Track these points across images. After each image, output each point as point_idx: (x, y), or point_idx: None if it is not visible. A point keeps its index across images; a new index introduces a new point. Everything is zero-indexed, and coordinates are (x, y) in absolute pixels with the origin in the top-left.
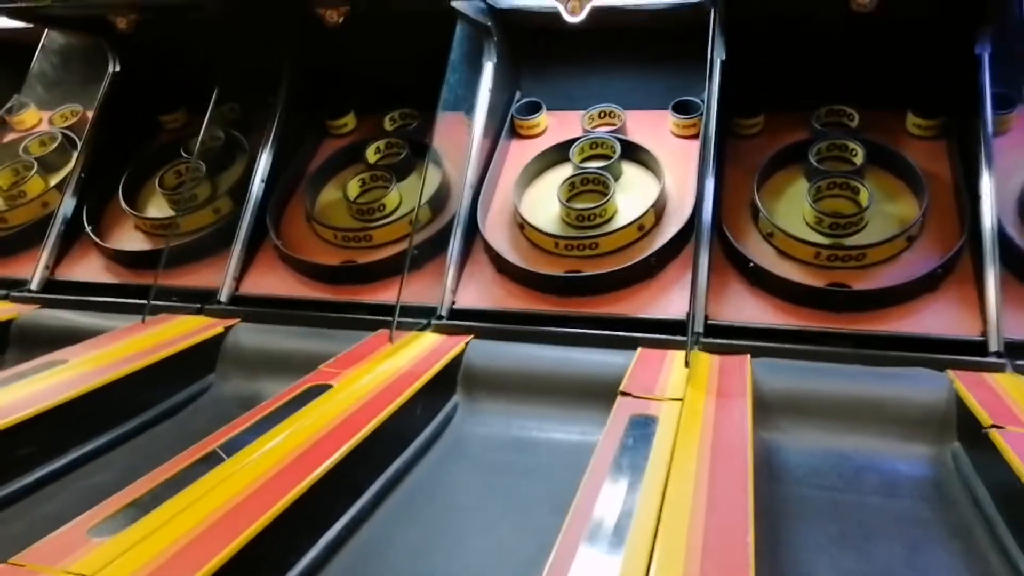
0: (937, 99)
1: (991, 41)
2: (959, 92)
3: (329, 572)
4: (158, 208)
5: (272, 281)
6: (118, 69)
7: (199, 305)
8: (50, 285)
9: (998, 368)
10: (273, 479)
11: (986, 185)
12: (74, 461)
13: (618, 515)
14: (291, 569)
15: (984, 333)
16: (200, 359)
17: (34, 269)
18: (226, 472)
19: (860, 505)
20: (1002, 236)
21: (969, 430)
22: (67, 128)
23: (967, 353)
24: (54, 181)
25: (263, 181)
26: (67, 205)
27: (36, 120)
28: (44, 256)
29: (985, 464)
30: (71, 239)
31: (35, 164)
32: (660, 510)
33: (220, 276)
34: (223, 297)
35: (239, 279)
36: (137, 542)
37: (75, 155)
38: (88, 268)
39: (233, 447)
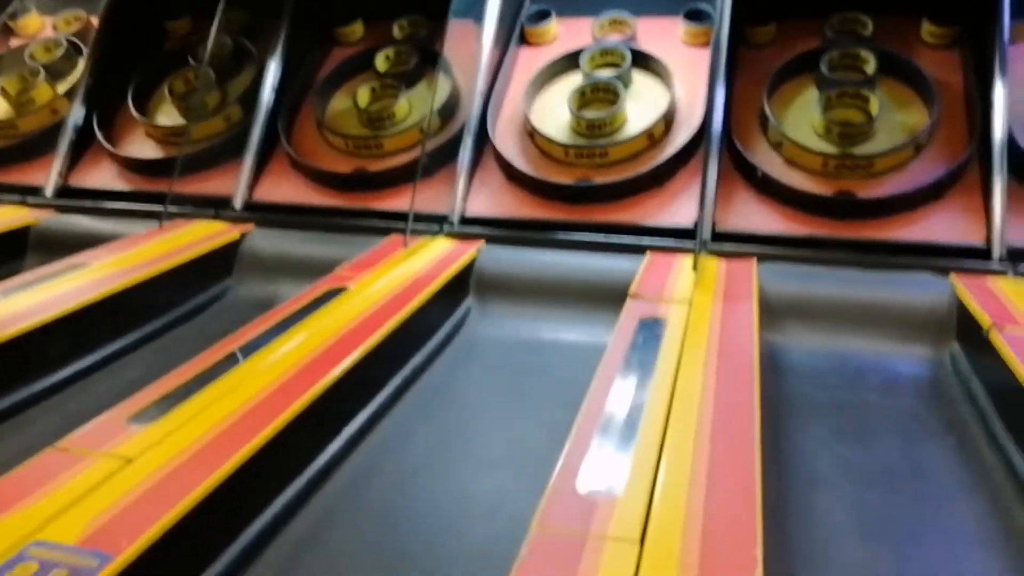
0: (953, 6)
1: None
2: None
3: (352, 462)
4: (168, 116)
5: (285, 188)
6: None
7: (214, 211)
8: (64, 191)
9: (1000, 273)
10: (297, 375)
11: (999, 93)
12: (102, 359)
13: (629, 409)
14: (316, 459)
15: (988, 240)
16: (217, 264)
17: (48, 176)
18: (255, 365)
19: (860, 402)
20: (1011, 145)
21: (968, 332)
22: (72, 34)
23: (971, 259)
24: (62, 88)
25: (273, 89)
26: (77, 112)
27: (39, 26)
28: (57, 163)
29: (982, 364)
30: (82, 146)
31: (41, 71)
32: (670, 405)
33: (233, 183)
34: (237, 204)
35: (252, 186)
36: (174, 429)
37: (81, 62)
38: (101, 175)
39: (256, 345)
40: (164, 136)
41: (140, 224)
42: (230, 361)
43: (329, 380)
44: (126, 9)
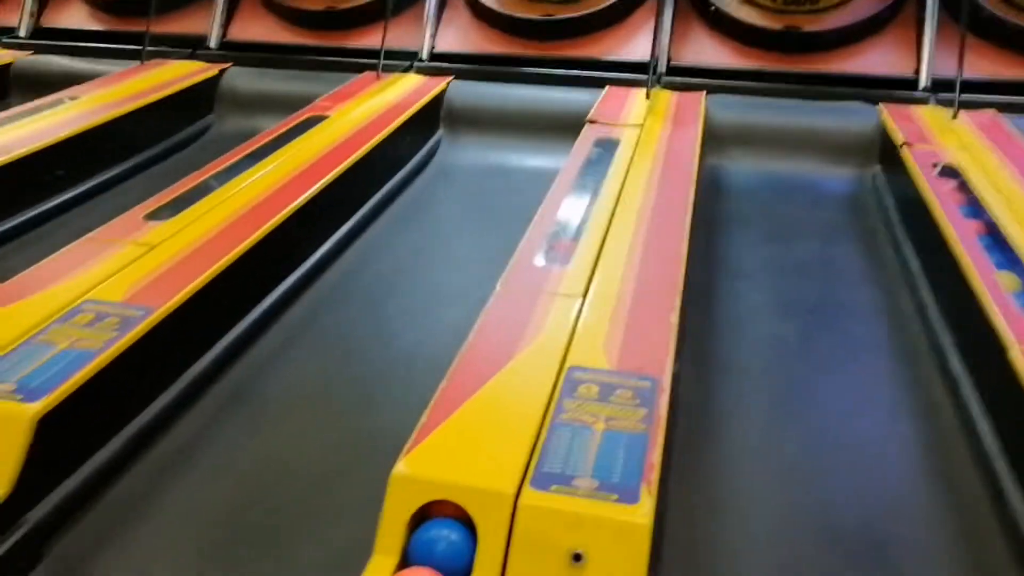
0: None
1: None
2: None
3: (343, 261)
4: None
5: (258, 27)
6: None
7: (190, 50)
8: (38, 32)
9: (924, 102)
10: (290, 183)
11: None
12: (102, 184)
13: (582, 210)
14: (310, 256)
15: (917, 71)
16: (199, 100)
17: (19, 17)
18: (253, 176)
19: (789, 215)
20: None
21: (888, 153)
22: None
23: (900, 89)
24: None
25: None
26: None
27: None
28: (28, 2)
29: (895, 180)
30: None
31: None
32: (613, 212)
33: (206, 23)
34: (212, 43)
35: (226, 26)
36: (187, 224)
37: None
38: (73, 16)
39: (253, 160)
40: None
41: (118, 64)
42: (231, 172)
43: (317, 189)
44: None
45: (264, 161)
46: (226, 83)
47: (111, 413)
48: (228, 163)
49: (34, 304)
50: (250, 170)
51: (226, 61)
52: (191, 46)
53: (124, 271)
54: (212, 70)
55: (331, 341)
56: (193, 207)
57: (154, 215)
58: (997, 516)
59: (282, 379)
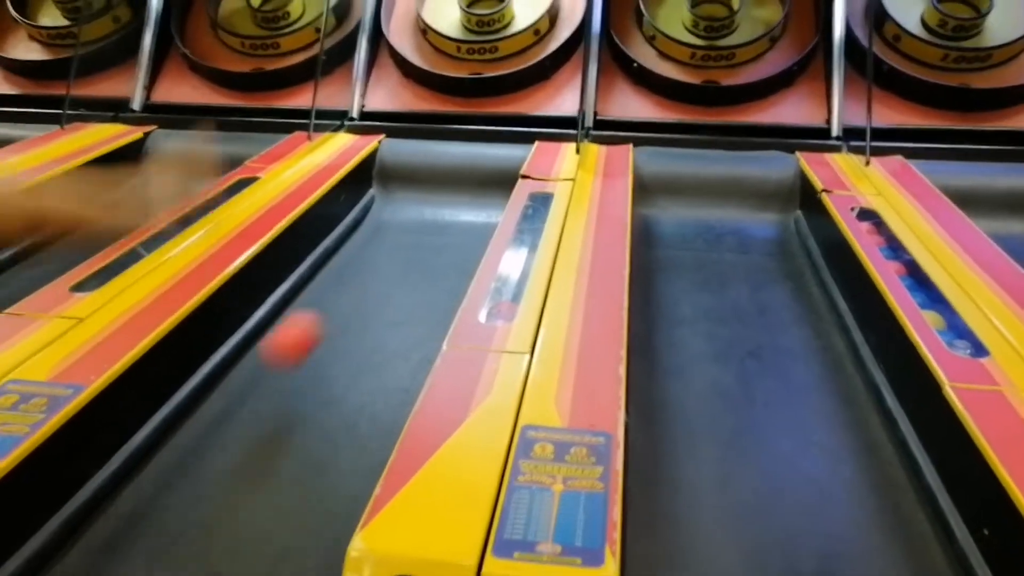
0: None
1: None
2: None
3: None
4: (50, 17)
5: (183, 89)
6: None
7: (113, 114)
8: None
9: (837, 149)
10: (224, 248)
11: None
12: (19, 253)
13: (522, 264)
14: (247, 321)
15: (828, 121)
16: (122, 165)
17: None
18: (187, 240)
19: (719, 261)
20: (849, 36)
21: (808, 198)
22: None
23: (814, 137)
24: None
25: None
26: None
27: None
28: None
29: (817, 224)
30: None
31: None
32: (555, 260)
33: (129, 85)
34: (136, 106)
35: (149, 88)
36: (117, 294)
37: None
38: None
39: (185, 223)
40: (49, 38)
41: (34, 129)
42: (161, 238)
43: (252, 252)
44: None
45: (195, 225)
46: (151, 145)
47: (43, 497)
48: (157, 229)
49: None
50: (180, 235)
51: (150, 124)
52: (113, 109)
53: (50, 347)
54: (136, 133)
55: (274, 407)
56: (122, 276)
57: (80, 286)
58: (945, 552)
59: (226, 448)
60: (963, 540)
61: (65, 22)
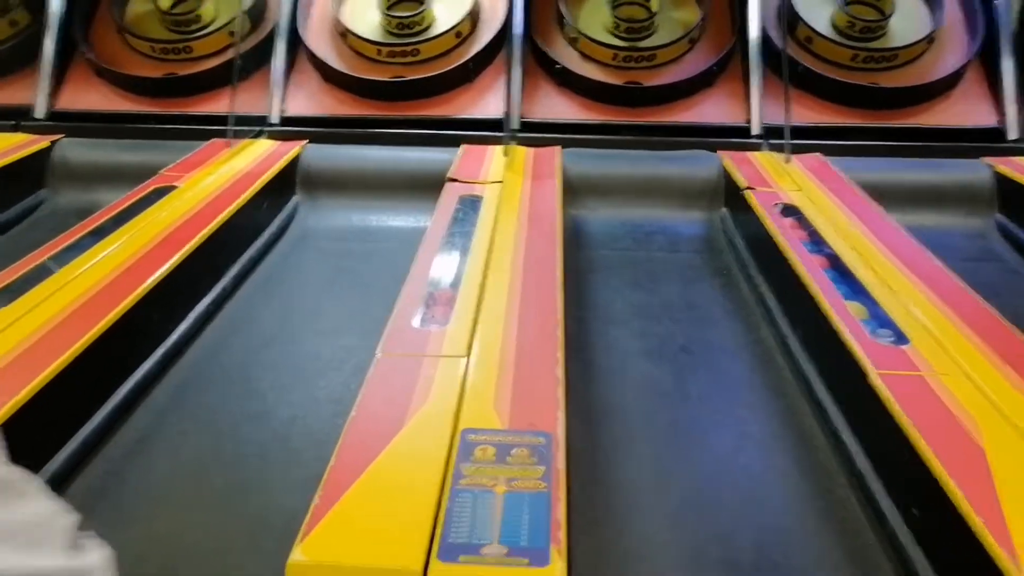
0: None
1: None
2: None
3: (204, 339)
4: None
5: (91, 96)
6: None
7: (14, 122)
8: None
9: (757, 147)
10: (140, 261)
11: None
12: None
13: (455, 266)
14: (169, 336)
15: (748, 120)
16: (28, 174)
17: None
18: (100, 252)
19: (649, 259)
20: (765, 38)
21: (732, 196)
22: None
23: (735, 136)
24: None
25: None
26: None
27: None
28: None
29: (742, 220)
30: None
31: None
32: (486, 269)
33: (30, 92)
34: (39, 114)
35: (53, 95)
36: (22, 315)
37: None
38: None
39: (98, 235)
40: None
41: None
42: (73, 251)
43: (172, 264)
44: None
45: (109, 238)
46: (58, 155)
47: None
48: (68, 241)
49: None
50: (94, 248)
51: (56, 132)
52: (15, 118)
53: None
54: (42, 142)
55: (201, 423)
56: (32, 291)
57: None
58: (877, 534)
59: (152, 467)
60: (894, 521)
61: None
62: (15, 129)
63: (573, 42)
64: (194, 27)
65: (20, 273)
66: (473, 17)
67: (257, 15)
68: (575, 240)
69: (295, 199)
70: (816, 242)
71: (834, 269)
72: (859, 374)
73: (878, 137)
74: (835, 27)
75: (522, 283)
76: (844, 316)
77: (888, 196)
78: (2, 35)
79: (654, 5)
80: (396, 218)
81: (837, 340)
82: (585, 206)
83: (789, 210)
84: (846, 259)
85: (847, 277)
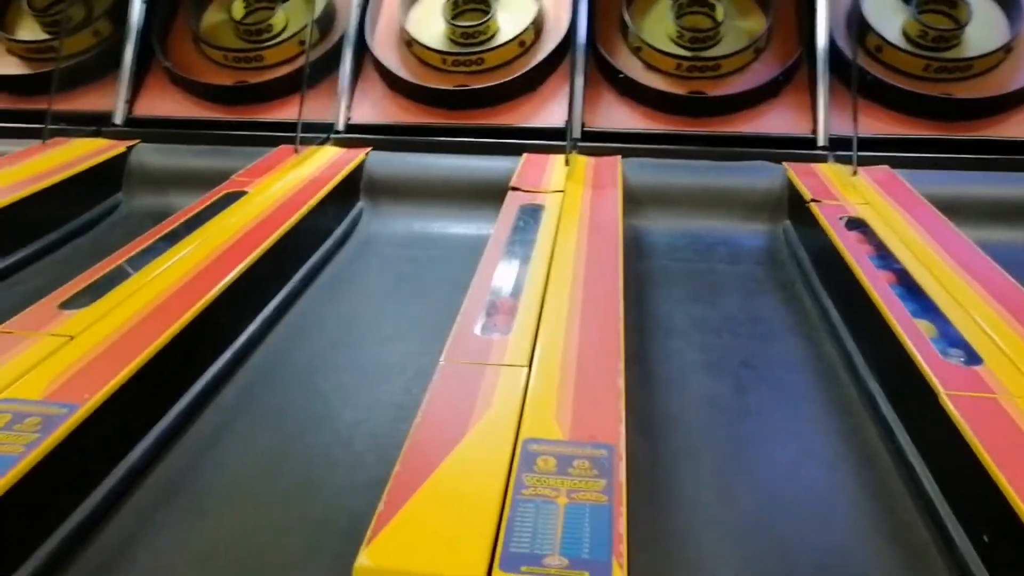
0: None
1: None
2: None
3: (273, 339)
4: (30, 31)
5: (166, 103)
6: None
7: (95, 128)
8: None
9: (823, 159)
10: (213, 263)
11: (821, 2)
12: (4, 269)
13: (515, 276)
14: (239, 337)
15: (814, 131)
16: (106, 178)
17: None
18: (176, 255)
19: (710, 271)
20: (832, 48)
21: (796, 208)
22: None
23: (800, 148)
24: None
25: (143, 1)
26: None
27: None
28: None
29: (806, 233)
30: None
31: None
32: (547, 278)
33: (110, 99)
34: (118, 119)
35: (131, 102)
36: (107, 312)
37: None
38: None
39: (174, 238)
40: (28, 52)
41: (14, 144)
42: (149, 254)
43: (242, 268)
44: None
45: (183, 242)
46: (135, 160)
47: (38, 518)
48: (144, 245)
49: None
50: (169, 251)
51: (133, 138)
52: (95, 123)
53: (42, 366)
54: (119, 147)
55: (268, 424)
56: (111, 294)
57: (69, 303)
58: (945, 560)
59: (221, 466)
60: (963, 547)
61: (45, 36)
62: (95, 134)
63: (636, 51)
64: (265, 36)
65: (100, 275)
66: (537, 26)
67: (326, 24)
68: (636, 250)
69: (359, 205)
70: (883, 257)
71: (902, 285)
72: (929, 394)
73: (950, 149)
74: (906, 36)
75: (583, 293)
76: (913, 334)
77: (959, 210)
78: (86, 44)
79: (719, 14)
80: (458, 225)
81: (905, 358)
82: (646, 216)
83: (855, 223)
84: (915, 275)
85: (916, 293)
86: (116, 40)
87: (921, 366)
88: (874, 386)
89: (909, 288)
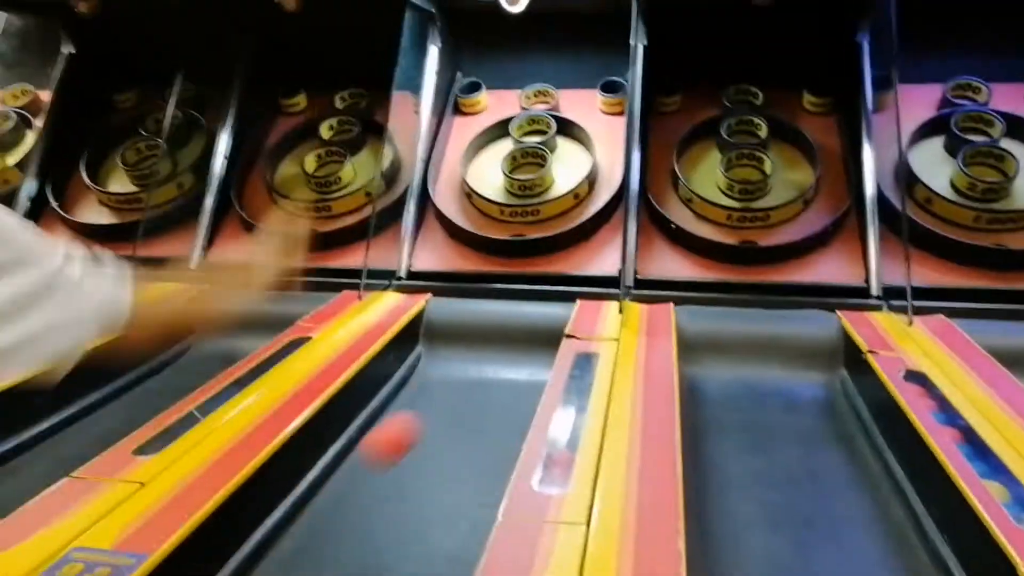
0: (827, 80)
1: (870, 31)
2: (845, 74)
3: (330, 487)
4: (120, 183)
5: (238, 250)
6: (73, 51)
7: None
8: None
9: (877, 308)
10: (279, 410)
11: (867, 155)
12: (81, 410)
13: (571, 427)
14: (299, 483)
15: (867, 280)
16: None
17: None
18: (243, 401)
19: (766, 422)
20: (881, 199)
21: (852, 358)
22: (20, 108)
23: (853, 297)
24: (11, 159)
25: (224, 157)
26: (30, 183)
27: None
28: None
29: (864, 384)
30: (35, 215)
31: None
32: (604, 425)
33: (188, 246)
34: (193, 265)
35: (207, 248)
36: (177, 458)
37: (30, 133)
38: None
39: (240, 385)
40: (117, 203)
41: None
42: (218, 400)
43: (306, 416)
44: (76, 83)
45: (250, 388)
46: None
47: None
48: (214, 391)
49: (16, 556)
50: (237, 397)
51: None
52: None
53: (113, 513)
54: (190, 291)
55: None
56: (181, 439)
57: (142, 450)
58: None
59: None
60: None
61: (134, 188)
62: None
63: (687, 202)
64: (334, 188)
65: (171, 420)
66: (591, 179)
67: (391, 177)
68: (691, 399)
69: (418, 349)
70: (946, 412)
71: (968, 443)
72: (1007, 566)
73: (1006, 300)
74: (955, 188)
75: (640, 446)
76: (983, 498)
77: (1019, 362)
78: (170, 196)
79: (767, 167)
80: (513, 371)
81: (978, 524)
82: (700, 364)
83: (915, 376)
84: (981, 432)
85: (983, 452)
86: (198, 192)
87: (995, 534)
88: (946, 552)
89: (975, 446)
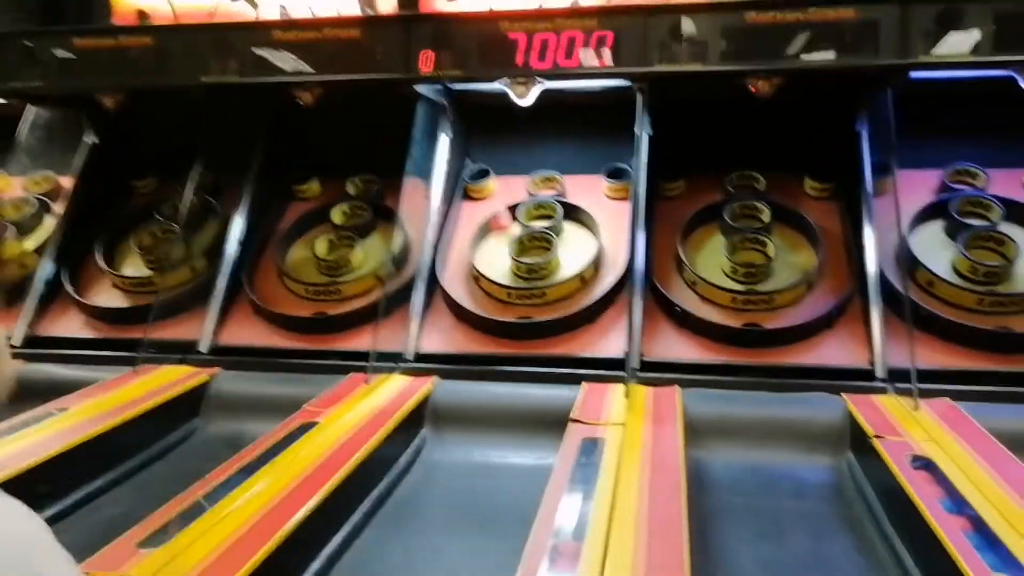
0: (828, 166)
1: (868, 120)
2: (845, 160)
3: (337, 573)
4: (134, 267)
5: (249, 332)
6: (96, 140)
7: (181, 356)
8: (32, 341)
9: (882, 391)
10: (284, 500)
11: (869, 238)
12: (85, 497)
13: (578, 517)
14: (305, 572)
15: (871, 363)
16: (186, 405)
17: (15, 326)
18: (247, 490)
19: (774, 507)
20: (884, 282)
21: (859, 442)
22: (41, 194)
23: (858, 379)
24: (30, 243)
25: (238, 242)
26: (47, 267)
27: (8, 186)
28: (26, 315)
29: (871, 469)
30: (50, 298)
31: (10, 227)
32: (611, 513)
33: (199, 329)
34: (203, 348)
35: (217, 331)
36: (181, 551)
37: (48, 218)
38: (69, 324)
39: (247, 472)
40: (131, 286)
41: (108, 370)
42: (225, 488)
43: (313, 504)
44: (97, 171)
45: (257, 475)
46: (213, 387)
47: None
48: (221, 479)
49: None
50: (243, 484)
51: (216, 365)
52: (183, 351)
53: None
54: (203, 375)
55: None
56: (188, 529)
57: (147, 542)
58: None
59: None
60: None
61: (147, 272)
62: (181, 362)
63: (692, 285)
64: (344, 271)
65: (178, 510)
66: (596, 263)
67: (400, 260)
68: (697, 483)
69: (423, 432)
70: (955, 500)
71: (977, 533)
72: None
73: (1011, 383)
74: (957, 271)
75: (648, 534)
76: None
77: None
78: (183, 279)
79: (771, 250)
80: (518, 455)
81: None
82: (705, 447)
83: (922, 462)
84: (990, 522)
85: (993, 543)
86: (210, 275)
87: None
88: None
89: (985, 536)
